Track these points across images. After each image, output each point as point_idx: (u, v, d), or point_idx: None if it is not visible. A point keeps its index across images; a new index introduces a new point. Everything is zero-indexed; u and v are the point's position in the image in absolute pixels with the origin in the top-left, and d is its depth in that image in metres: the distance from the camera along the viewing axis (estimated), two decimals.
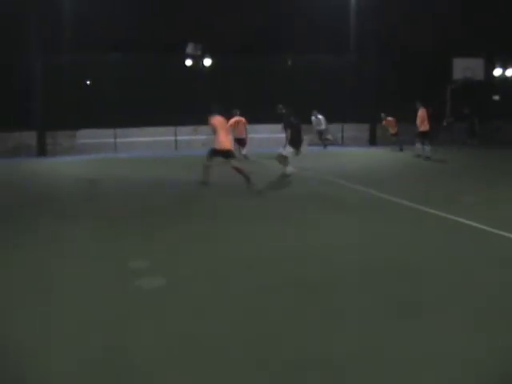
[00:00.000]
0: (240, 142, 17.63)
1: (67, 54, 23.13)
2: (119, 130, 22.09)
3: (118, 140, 22.02)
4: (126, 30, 24.19)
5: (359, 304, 4.46)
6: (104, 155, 20.19)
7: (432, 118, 17.34)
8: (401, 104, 17.59)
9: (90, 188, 11.89)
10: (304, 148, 13.09)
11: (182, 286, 4.99)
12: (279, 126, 15.28)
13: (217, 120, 10.87)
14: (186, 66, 26.82)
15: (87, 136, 22.42)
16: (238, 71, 24.88)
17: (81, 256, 6.07)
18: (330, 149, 21.49)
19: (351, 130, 24.78)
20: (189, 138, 20.75)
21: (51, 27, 21.74)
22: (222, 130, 10.84)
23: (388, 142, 21.14)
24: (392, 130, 20.60)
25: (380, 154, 19.31)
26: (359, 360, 3.50)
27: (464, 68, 24.33)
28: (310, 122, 21.39)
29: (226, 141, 10.88)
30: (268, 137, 21.21)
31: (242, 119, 17.81)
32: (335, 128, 25.43)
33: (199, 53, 26.59)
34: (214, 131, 10.82)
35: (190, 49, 26.49)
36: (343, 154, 19.95)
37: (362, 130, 23.53)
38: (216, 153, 10.85)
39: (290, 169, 12.26)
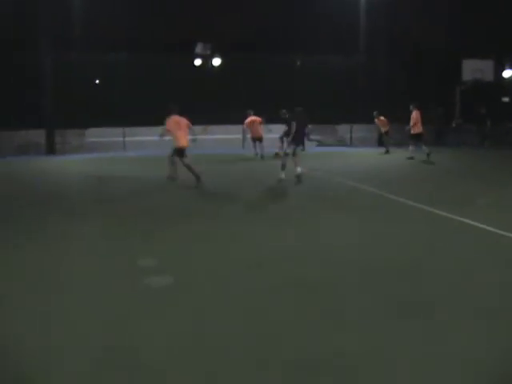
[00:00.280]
0: (257, 140, 17.68)
1: (77, 52, 23.29)
2: (128, 129, 22.20)
3: (126, 139, 22.12)
4: (135, 29, 24.25)
5: (359, 304, 4.45)
6: (113, 154, 20.31)
7: (441, 119, 17.28)
8: (409, 105, 17.50)
9: (98, 186, 11.98)
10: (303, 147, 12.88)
11: (184, 286, 4.99)
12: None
13: (172, 121, 11.28)
14: (194, 65, 26.92)
15: (96, 135, 22.58)
16: (246, 71, 24.94)
17: (90, 254, 6.10)
18: (339, 149, 21.44)
19: (360, 130, 24.75)
20: (198, 137, 20.75)
21: (61, 24, 21.81)
22: (179, 130, 11.27)
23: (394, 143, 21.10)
24: (384, 129, 20.52)
25: (388, 155, 19.26)
26: (359, 360, 3.50)
27: (474, 69, 24.21)
28: (317, 122, 21.30)
29: (182, 139, 11.32)
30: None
31: (257, 118, 17.84)
32: (344, 129, 25.43)
33: (208, 52, 26.71)
34: (170, 133, 11.32)
35: (199, 48, 26.62)
36: (351, 155, 19.96)
37: (371, 130, 23.46)
38: (178, 151, 11.30)
39: (282, 170, 11.92)
